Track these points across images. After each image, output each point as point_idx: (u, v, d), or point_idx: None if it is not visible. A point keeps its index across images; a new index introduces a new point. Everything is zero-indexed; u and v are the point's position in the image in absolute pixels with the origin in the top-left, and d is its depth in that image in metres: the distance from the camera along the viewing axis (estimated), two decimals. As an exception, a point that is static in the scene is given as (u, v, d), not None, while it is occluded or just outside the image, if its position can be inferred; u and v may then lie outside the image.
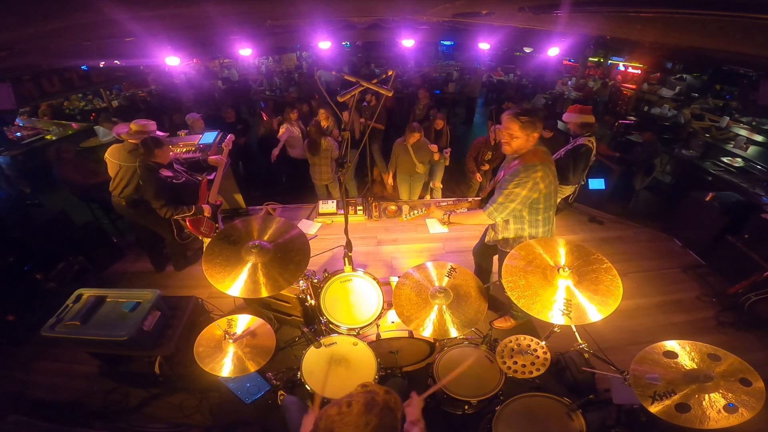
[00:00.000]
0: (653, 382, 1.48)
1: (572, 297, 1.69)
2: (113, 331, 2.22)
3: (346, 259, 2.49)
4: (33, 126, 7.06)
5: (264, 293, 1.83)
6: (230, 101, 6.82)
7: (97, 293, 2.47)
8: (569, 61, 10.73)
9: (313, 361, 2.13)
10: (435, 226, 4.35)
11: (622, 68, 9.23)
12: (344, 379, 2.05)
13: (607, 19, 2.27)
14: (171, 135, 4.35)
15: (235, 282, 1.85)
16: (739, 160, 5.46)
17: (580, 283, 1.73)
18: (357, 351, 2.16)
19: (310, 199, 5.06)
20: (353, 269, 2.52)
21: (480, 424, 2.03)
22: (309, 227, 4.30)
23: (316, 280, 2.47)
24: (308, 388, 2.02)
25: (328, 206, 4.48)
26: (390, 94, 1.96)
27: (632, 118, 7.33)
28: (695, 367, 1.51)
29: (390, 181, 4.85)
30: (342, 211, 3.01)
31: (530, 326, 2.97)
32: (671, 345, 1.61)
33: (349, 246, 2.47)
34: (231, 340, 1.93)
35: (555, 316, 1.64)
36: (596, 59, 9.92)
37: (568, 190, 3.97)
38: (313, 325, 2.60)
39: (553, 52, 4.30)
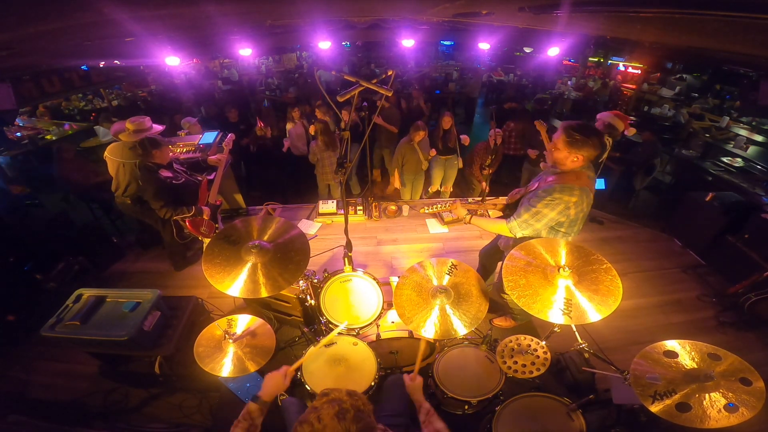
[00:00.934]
0: (653, 382, 1.48)
1: (572, 297, 1.69)
2: (113, 331, 2.22)
3: (346, 259, 2.50)
4: (33, 126, 7.07)
5: (264, 293, 1.83)
6: (234, 101, 6.81)
7: (97, 293, 2.47)
8: (569, 61, 10.72)
9: (313, 361, 2.13)
10: (435, 226, 4.35)
11: (622, 68, 9.22)
12: (344, 379, 2.05)
13: (607, 19, 2.27)
14: (171, 135, 4.35)
15: (235, 282, 1.85)
16: (739, 160, 5.46)
17: (580, 283, 1.73)
18: (357, 351, 2.16)
19: (311, 199, 5.07)
20: (353, 269, 2.52)
21: (480, 424, 2.03)
22: (309, 227, 4.30)
23: (316, 280, 2.47)
24: (308, 388, 2.02)
25: (328, 206, 4.48)
26: (390, 94, 1.96)
27: (632, 118, 7.32)
28: (695, 366, 1.51)
29: (398, 181, 4.81)
30: (342, 211, 3.01)
31: (530, 326, 2.97)
32: (671, 345, 1.61)
33: (349, 246, 2.47)
34: (231, 340, 1.93)
35: (555, 315, 1.64)
36: (596, 59, 9.91)
37: None
38: (313, 325, 2.60)
39: (553, 52, 4.30)
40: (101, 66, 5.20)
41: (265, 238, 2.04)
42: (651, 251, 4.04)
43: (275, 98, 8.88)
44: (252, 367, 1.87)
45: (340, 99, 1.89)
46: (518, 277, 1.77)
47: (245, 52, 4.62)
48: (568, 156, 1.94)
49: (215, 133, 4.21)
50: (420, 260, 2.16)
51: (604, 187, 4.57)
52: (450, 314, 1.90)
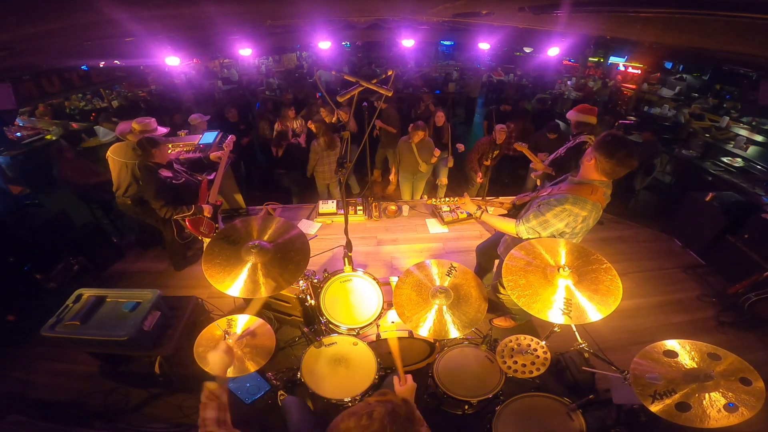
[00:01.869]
0: (653, 382, 1.48)
1: (572, 297, 1.69)
2: (113, 331, 2.22)
3: (346, 259, 2.50)
4: (33, 126, 7.07)
5: (264, 293, 1.83)
6: (234, 101, 6.82)
7: (97, 293, 2.46)
8: (569, 61, 10.73)
9: (313, 361, 2.13)
10: (435, 226, 4.35)
11: (622, 68, 9.23)
12: (344, 379, 2.05)
13: (607, 19, 2.26)
14: (170, 135, 4.35)
15: (235, 282, 1.85)
16: (739, 160, 5.46)
17: (580, 283, 1.73)
18: (357, 351, 2.16)
19: (311, 199, 5.07)
20: (353, 269, 2.52)
21: (480, 424, 2.03)
22: (309, 227, 4.30)
23: (316, 280, 2.47)
24: (308, 388, 2.02)
25: (328, 206, 4.48)
26: (390, 94, 1.96)
27: (632, 118, 7.33)
28: (695, 366, 1.51)
29: (394, 179, 4.83)
30: (342, 211, 3.01)
31: (530, 326, 2.97)
32: (671, 344, 1.61)
33: (349, 246, 2.47)
34: (231, 340, 1.93)
35: (555, 315, 1.64)
36: (596, 59, 9.92)
37: None
38: (313, 325, 2.60)
39: (553, 52, 4.30)
40: (101, 66, 5.21)
41: (265, 238, 2.03)
42: (651, 251, 4.04)
43: (275, 98, 8.88)
44: (252, 367, 1.87)
45: (340, 99, 1.89)
46: (518, 277, 1.77)
47: (245, 52, 4.62)
48: (588, 159, 1.89)
49: (215, 133, 4.21)
50: (419, 261, 2.16)
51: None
52: (449, 315, 1.90)
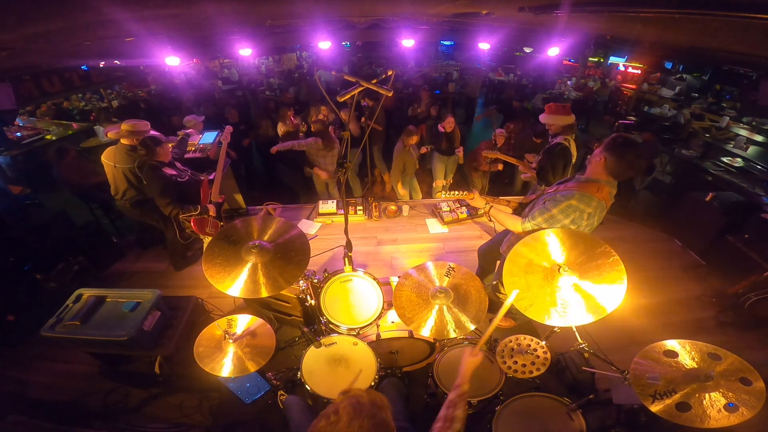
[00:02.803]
0: (653, 382, 1.48)
1: (572, 297, 1.68)
2: (113, 331, 2.22)
3: (346, 259, 2.49)
4: (33, 126, 7.06)
5: (264, 293, 1.83)
6: (234, 101, 6.82)
7: (97, 293, 2.46)
8: (569, 61, 10.74)
9: (313, 361, 2.13)
10: (435, 226, 4.35)
11: (622, 68, 9.24)
12: (344, 379, 2.04)
13: (607, 18, 2.27)
14: (170, 135, 4.35)
15: (235, 282, 1.85)
16: (739, 160, 5.46)
17: (581, 280, 1.72)
18: (357, 351, 2.15)
19: (310, 199, 5.07)
20: (353, 269, 2.51)
21: (480, 424, 2.02)
22: (309, 227, 4.30)
23: (316, 280, 2.47)
24: (308, 388, 2.02)
25: (328, 206, 4.48)
26: (390, 94, 1.95)
27: (632, 118, 7.33)
28: (695, 366, 1.51)
29: (401, 189, 4.83)
30: (342, 211, 3.00)
31: (530, 326, 2.97)
32: (671, 344, 1.61)
33: (349, 246, 2.47)
34: (231, 340, 1.93)
35: (554, 316, 1.63)
36: (596, 59, 9.93)
37: None
38: (313, 325, 2.60)
39: (553, 52, 4.30)
40: (101, 66, 5.20)
41: (266, 238, 2.03)
42: (651, 251, 4.03)
43: (275, 98, 8.88)
44: (252, 367, 1.87)
45: (340, 99, 1.89)
46: (518, 277, 1.76)
47: (245, 52, 4.62)
48: (596, 155, 1.89)
49: (215, 132, 4.22)
50: (420, 261, 2.16)
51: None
52: (449, 315, 1.90)
